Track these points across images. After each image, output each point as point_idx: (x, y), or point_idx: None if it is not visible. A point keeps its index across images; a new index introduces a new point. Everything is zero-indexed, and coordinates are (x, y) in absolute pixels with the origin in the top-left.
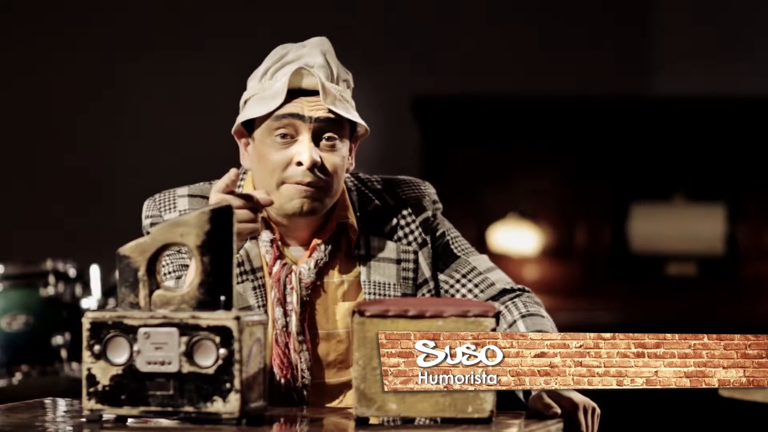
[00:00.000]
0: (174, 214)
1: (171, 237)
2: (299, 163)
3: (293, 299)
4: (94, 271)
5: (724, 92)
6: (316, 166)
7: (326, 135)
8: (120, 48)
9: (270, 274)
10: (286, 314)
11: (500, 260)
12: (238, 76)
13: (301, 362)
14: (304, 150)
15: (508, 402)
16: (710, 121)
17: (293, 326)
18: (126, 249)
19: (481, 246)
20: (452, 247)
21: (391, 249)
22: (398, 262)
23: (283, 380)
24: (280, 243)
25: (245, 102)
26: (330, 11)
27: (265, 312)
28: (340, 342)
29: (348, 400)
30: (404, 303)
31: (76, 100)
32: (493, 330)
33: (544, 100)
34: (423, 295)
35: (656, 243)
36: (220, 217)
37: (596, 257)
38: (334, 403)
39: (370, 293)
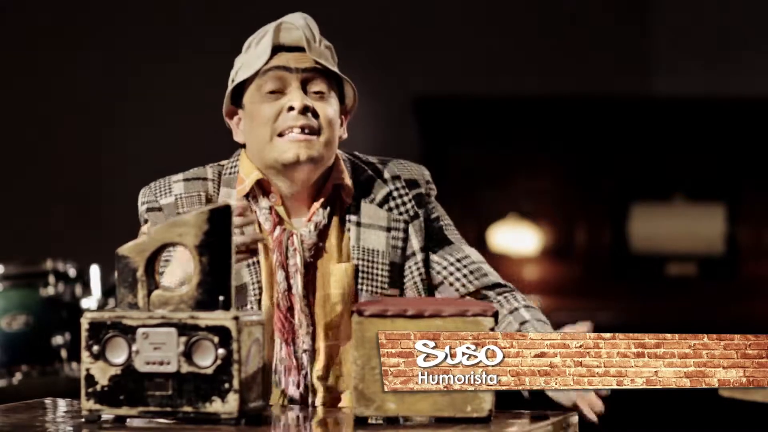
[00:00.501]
0: (170, 198)
1: (169, 237)
2: (291, 108)
3: (297, 260)
4: (94, 271)
5: (724, 92)
6: (309, 110)
7: (314, 85)
8: (120, 48)
9: (268, 246)
10: (288, 277)
11: (500, 260)
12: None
13: (301, 327)
14: (294, 97)
15: (508, 402)
16: (710, 121)
17: (299, 288)
18: (125, 249)
19: (481, 246)
20: (446, 232)
21: (381, 217)
22: (388, 230)
23: (284, 345)
24: (280, 209)
25: (232, 79)
26: (330, 11)
27: (260, 288)
28: (336, 304)
29: (339, 366)
30: (403, 302)
31: (77, 100)
32: (492, 329)
33: (544, 100)
34: (410, 267)
35: (656, 243)
36: (219, 217)
37: (596, 257)
38: (331, 367)
39: (359, 258)
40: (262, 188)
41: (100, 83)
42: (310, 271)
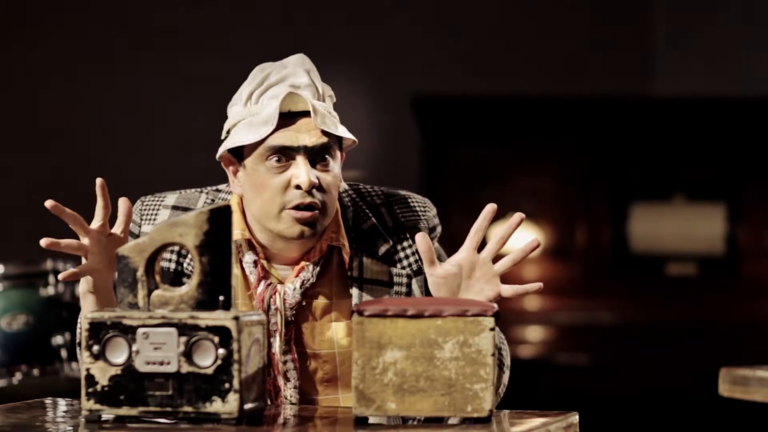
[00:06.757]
0: (150, 227)
1: (170, 237)
2: (297, 186)
3: (277, 320)
4: None
5: (724, 92)
6: (314, 187)
7: (320, 157)
8: (120, 48)
9: (251, 296)
10: (269, 335)
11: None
12: (238, 77)
13: (288, 381)
14: (301, 172)
15: (509, 401)
16: (710, 121)
17: (276, 347)
18: (125, 249)
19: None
20: None
21: (384, 272)
22: (391, 285)
23: (269, 400)
24: (265, 263)
25: (229, 130)
26: (330, 11)
27: None
28: (326, 362)
29: None
30: (403, 302)
31: (76, 100)
32: (492, 330)
33: (545, 100)
34: None
35: (656, 243)
36: (219, 217)
37: (596, 257)
38: None
39: None
40: (248, 243)
41: (100, 83)
42: (292, 328)
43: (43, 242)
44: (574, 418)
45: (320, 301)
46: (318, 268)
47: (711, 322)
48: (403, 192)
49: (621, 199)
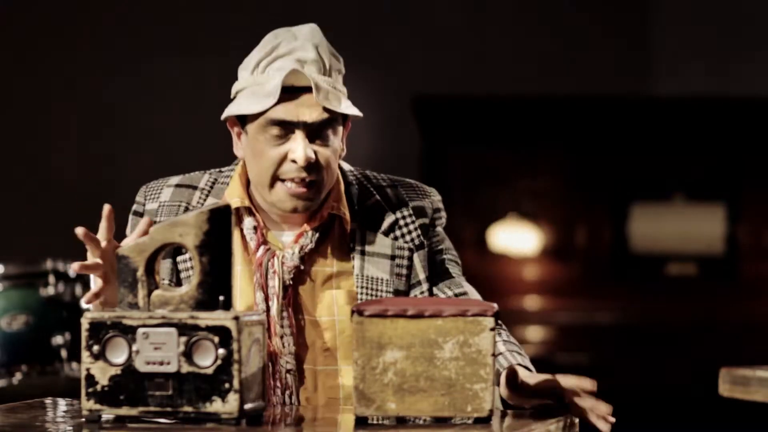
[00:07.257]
0: (155, 204)
1: (170, 237)
2: (294, 161)
3: (275, 283)
4: None
5: (724, 92)
6: (310, 163)
7: (320, 132)
8: (120, 49)
9: (250, 261)
10: (267, 298)
11: (500, 260)
12: (235, 76)
13: (283, 348)
14: (298, 147)
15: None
16: (710, 121)
17: (274, 309)
18: (125, 249)
19: (481, 246)
20: (448, 266)
21: (386, 245)
22: (392, 258)
23: (270, 365)
24: (265, 230)
25: (236, 93)
26: (330, 11)
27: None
28: (326, 330)
29: (332, 390)
30: (403, 303)
31: (77, 101)
32: (492, 330)
33: (545, 100)
34: (416, 296)
35: (656, 243)
36: (219, 217)
37: (596, 257)
38: (319, 389)
39: (362, 287)
40: (248, 209)
41: (101, 84)
42: (290, 292)
43: (74, 268)
44: (575, 418)
45: (320, 268)
46: (317, 235)
47: (711, 322)
48: (408, 179)
49: (621, 199)
